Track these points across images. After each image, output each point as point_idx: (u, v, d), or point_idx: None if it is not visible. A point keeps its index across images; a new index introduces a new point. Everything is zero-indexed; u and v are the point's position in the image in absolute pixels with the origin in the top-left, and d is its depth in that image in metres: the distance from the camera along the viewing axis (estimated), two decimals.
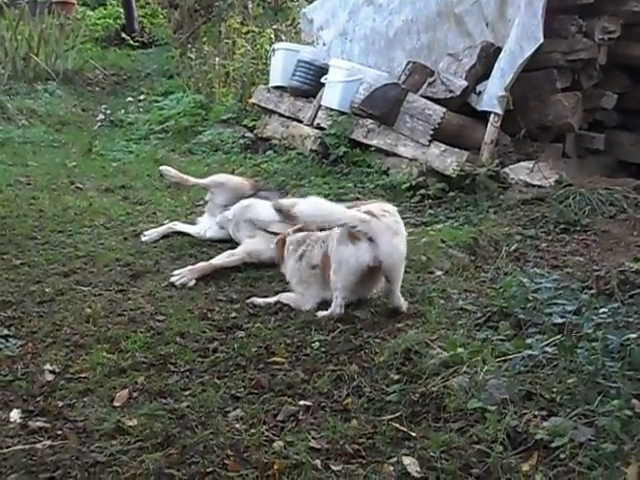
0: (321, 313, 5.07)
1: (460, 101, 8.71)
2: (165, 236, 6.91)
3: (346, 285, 5.01)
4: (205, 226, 6.81)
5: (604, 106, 9.19)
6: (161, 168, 7.43)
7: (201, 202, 7.81)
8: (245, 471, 3.41)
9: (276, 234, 5.96)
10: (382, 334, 4.83)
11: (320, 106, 10.01)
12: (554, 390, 3.76)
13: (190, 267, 5.95)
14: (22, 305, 5.30)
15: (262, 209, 6.35)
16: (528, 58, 8.18)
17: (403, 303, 5.12)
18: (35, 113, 12.48)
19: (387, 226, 4.96)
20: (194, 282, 5.79)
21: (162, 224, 7.14)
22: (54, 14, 16.39)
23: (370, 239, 4.86)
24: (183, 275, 5.82)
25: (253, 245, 6.21)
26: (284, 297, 5.43)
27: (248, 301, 5.41)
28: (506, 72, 8.31)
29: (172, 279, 5.82)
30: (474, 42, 8.90)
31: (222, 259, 6.05)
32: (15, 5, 17.87)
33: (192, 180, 7.39)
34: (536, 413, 3.59)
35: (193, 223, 7.07)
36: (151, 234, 6.89)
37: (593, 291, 5.14)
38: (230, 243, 6.49)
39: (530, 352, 4.09)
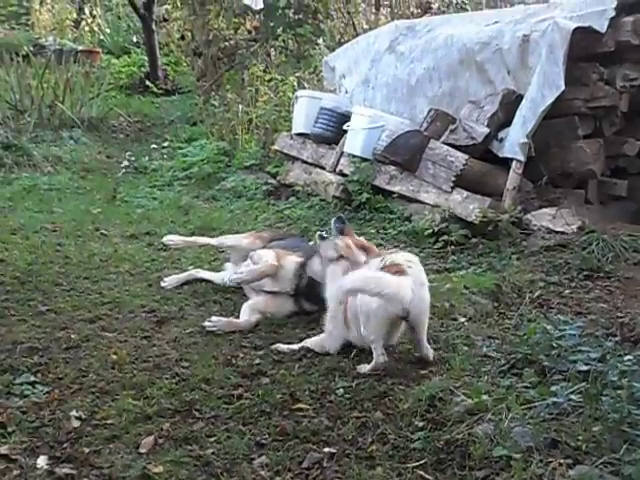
0: (364, 367, 5.03)
1: (482, 148, 8.73)
2: (189, 282, 6.94)
3: (380, 335, 5.01)
4: (228, 273, 6.83)
5: (626, 153, 9.18)
6: (164, 240, 7.52)
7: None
8: None
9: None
10: (406, 381, 4.84)
11: (343, 153, 10.05)
12: (579, 438, 3.74)
13: (229, 320, 5.94)
14: (48, 351, 5.33)
15: None
16: (549, 105, 8.21)
17: (430, 352, 5.13)
18: (60, 160, 12.60)
19: (415, 278, 4.99)
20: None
21: (185, 270, 7.17)
22: (79, 62, 16.59)
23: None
24: (218, 325, 5.85)
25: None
26: (309, 342, 5.44)
27: (272, 347, 5.42)
28: (528, 119, 8.35)
29: (206, 323, 5.85)
30: (495, 89, 8.94)
31: (251, 315, 6.03)
32: (41, 54, 18.18)
33: (201, 240, 7.47)
34: (562, 461, 3.57)
35: (218, 269, 7.09)
36: (171, 280, 6.93)
37: (617, 338, 5.14)
38: None
39: (555, 399, 4.08)
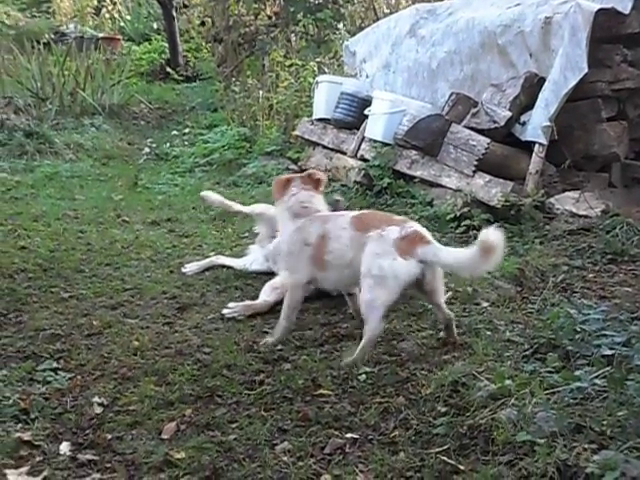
0: (348, 357, 4.91)
1: (504, 131, 8.68)
2: (210, 268, 6.94)
3: (388, 301, 4.87)
4: (250, 259, 6.82)
5: None
6: (202, 193, 7.45)
7: (246, 234, 7.86)
8: None
9: None
10: (429, 366, 4.82)
11: (364, 138, 10.03)
12: (604, 423, 3.70)
13: (246, 303, 5.94)
14: (71, 338, 5.35)
15: None
16: (572, 88, 8.15)
17: (452, 314, 5.17)
18: (82, 147, 12.65)
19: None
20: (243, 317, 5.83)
21: (207, 257, 7.17)
22: (100, 50, 16.65)
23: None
24: (237, 310, 5.84)
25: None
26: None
27: (261, 343, 5.34)
28: (550, 102, 8.29)
29: (224, 311, 5.85)
30: (518, 73, 8.88)
31: (270, 295, 6.01)
32: (62, 41, 18.25)
33: (235, 207, 7.38)
34: (586, 446, 3.53)
35: (241, 255, 7.08)
36: (192, 267, 6.93)
37: None
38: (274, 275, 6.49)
39: (579, 384, 4.05)
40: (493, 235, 4.66)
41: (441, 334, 5.22)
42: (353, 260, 4.99)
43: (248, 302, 5.97)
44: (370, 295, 4.85)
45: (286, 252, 5.38)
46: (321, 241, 5.16)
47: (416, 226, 5.02)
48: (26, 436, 4.01)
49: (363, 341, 4.88)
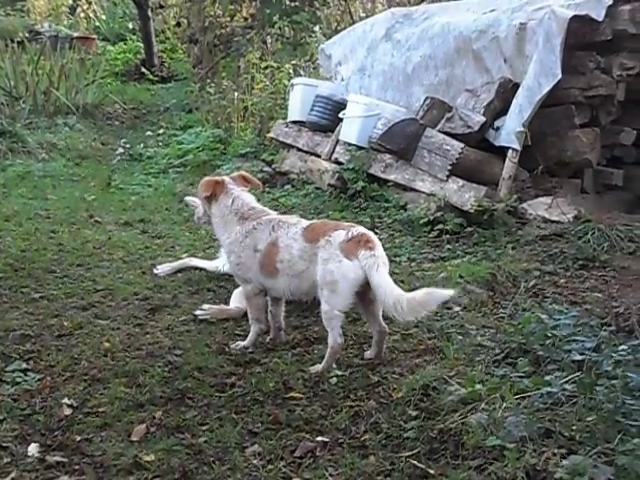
0: (317, 367, 4.89)
1: (478, 137, 8.71)
2: (183, 270, 6.92)
3: (345, 307, 4.87)
4: (223, 261, 6.80)
5: (623, 142, 9.17)
6: (186, 199, 7.44)
7: None
8: None
9: None
10: (400, 370, 4.84)
11: (338, 141, 10.03)
12: (573, 428, 3.73)
13: (220, 307, 5.95)
14: (41, 339, 5.32)
15: None
16: (546, 94, 8.19)
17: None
18: (55, 147, 12.58)
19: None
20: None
21: (180, 258, 7.15)
22: (75, 49, 16.57)
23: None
24: (209, 313, 5.84)
25: None
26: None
27: (232, 346, 5.32)
28: (524, 108, 8.33)
29: (197, 312, 5.85)
30: (492, 78, 8.91)
31: (242, 301, 5.93)
32: (36, 40, 18.14)
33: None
34: (555, 451, 3.56)
35: (213, 257, 7.07)
36: (164, 268, 6.91)
37: (612, 328, 5.12)
38: None
39: (549, 389, 4.07)
40: (437, 296, 4.64)
41: (367, 353, 5.13)
42: (305, 272, 5.00)
43: (223, 306, 5.97)
44: (327, 306, 4.87)
45: (235, 262, 5.38)
46: (271, 248, 5.15)
47: (363, 230, 5.00)
48: None
49: (327, 351, 4.89)
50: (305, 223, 5.22)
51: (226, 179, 5.56)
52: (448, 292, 4.69)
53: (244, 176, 5.66)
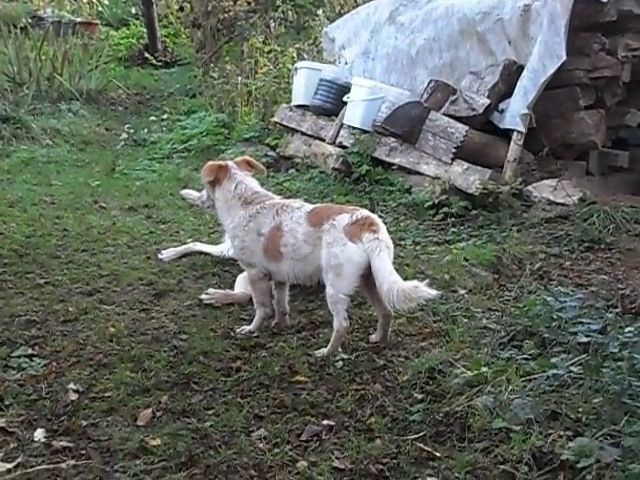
0: (322, 351, 4.90)
1: (483, 119, 8.69)
2: (187, 255, 6.92)
3: (350, 290, 4.89)
4: (227, 246, 6.79)
5: (628, 123, 9.15)
6: (182, 192, 7.45)
7: None
8: None
9: None
10: (405, 353, 4.84)
11: (342, 125, 10.00)
12: (580, 410, 3.73)
13: (226, 292, 5.96)
14: (46, 324, 5.32)
15: None
16: (551, 76, 8.16)
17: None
18: (59, 133, 12.55)
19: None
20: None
21: (184, 243, 7.15)
22: (78, 34, 16.51)
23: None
24: (215, 297, 5.84)
25: None
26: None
27: (237, 331, 5.33)
28: (529, 90, 8.30)
29: (202, 296, 5.85)
30: (496, 60, 8.88)
31: (247, 286, 5.94)
32: (39, 26, 18.08)
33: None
34: (561, 433, 3.56)
35: (218, 242, 7.06)
36: (169, 253, 6.91)
37: (618, 310, 5.12)
38: None
39: (555, 371, 4.07)
40: (421, 293, 4.63)
41: (373, 336, 5.14)
42: (309, 255, 5.01)
43: (228, 291, 5.96)
44: (333, 289, 4.88)
45: (239, 246, 5.40)
46: (275, 232, 5.15)
47: (367, 213, 5.01)
48: (0, 423, 3.99)
49: (333, 335, 4.89)
50: (309, 207, 5.22)
51: (230, 164, 5.56)
52: (433, 292, 4.69)
53: (248, 161, 5.67)
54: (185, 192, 7.35)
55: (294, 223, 5.09)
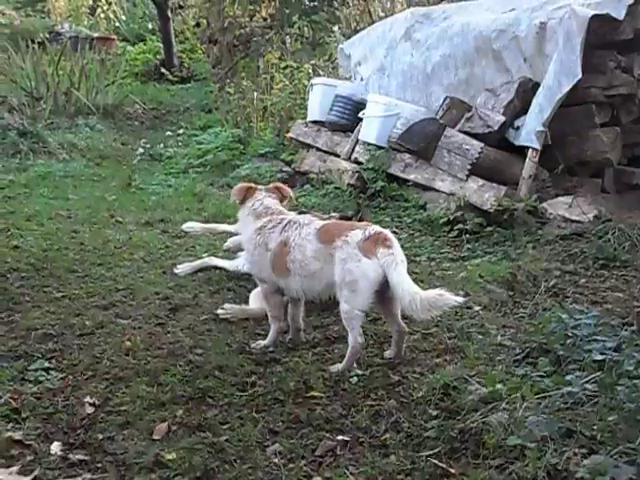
0: (337, 366, 4.91)
1: (498, 136, 8.70)
2: (203, 269, 6.94)
3: (365, 306, 4.88)
4: (243, 261, 6.81)
5: None
6: (184, 226, 7.53)
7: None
8: None
9: None
10: (420, 369, 4.84)
11: (358, 141, 10.04)
12: (594, 428, 3.72)
13: (242, 307, 5.97)
14: (63, 338, 5.35)
15: None
16: (566, 93, 8.16)
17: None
18: (76, 147, 12.62)
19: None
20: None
21: (200, 258, 7.17)
22: (95, 50, 16.65)
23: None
24: (231, 312, 5.86)
25: None
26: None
27: (252, 346, 5.34)
28: (544, 107, 8.30)
29: (219, 311, 5.87)
30: (512, 77, 8.90)
31: (263, 302, 5.95)
32: (57, 41, 18.22)
33: (220, 228, 7.48)
34: (576, 451, 3.55)
35: (233, 256, 7.07)
36: (185, 268, 6.93)
37: (634, 328, 5.10)
38: None
39: (570, 389, 4.06)
40: (446, 300, 4.66)
41: (387, 352, 5.14)
42: (318, 272, 5.02)
43: (245, 306, 5.98)
44: (347, 305, 4.87)
45: (250, 260, 5.49)
46: (282, 248, 5.17)
47: (379, 229, 5.02)
48: (17, 435, 4.02)
49: (348, 351, 4.90)
50: (318, 224, 5.23)
51: (258, 187, 5.65)
52: (458, 298, 4.72)
53: (278, 186, 5.75)
54: (187, 225, 7.44)
55: (302, 239, 5.10)
